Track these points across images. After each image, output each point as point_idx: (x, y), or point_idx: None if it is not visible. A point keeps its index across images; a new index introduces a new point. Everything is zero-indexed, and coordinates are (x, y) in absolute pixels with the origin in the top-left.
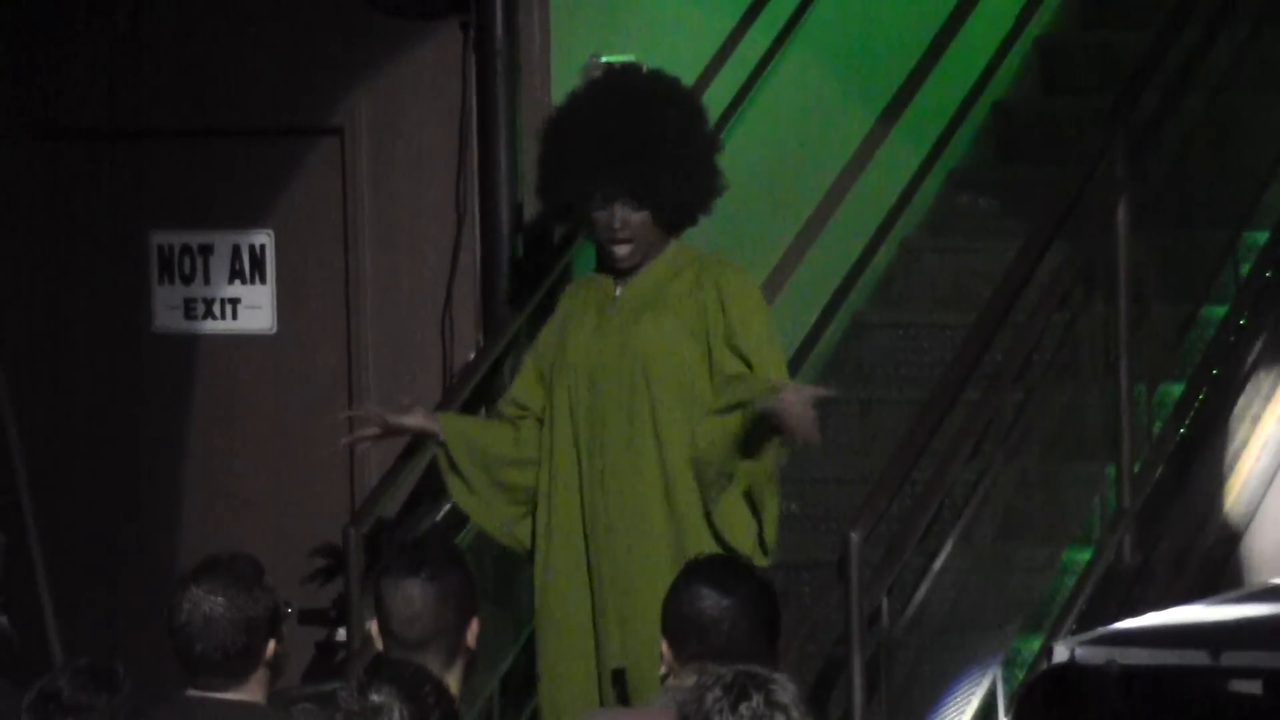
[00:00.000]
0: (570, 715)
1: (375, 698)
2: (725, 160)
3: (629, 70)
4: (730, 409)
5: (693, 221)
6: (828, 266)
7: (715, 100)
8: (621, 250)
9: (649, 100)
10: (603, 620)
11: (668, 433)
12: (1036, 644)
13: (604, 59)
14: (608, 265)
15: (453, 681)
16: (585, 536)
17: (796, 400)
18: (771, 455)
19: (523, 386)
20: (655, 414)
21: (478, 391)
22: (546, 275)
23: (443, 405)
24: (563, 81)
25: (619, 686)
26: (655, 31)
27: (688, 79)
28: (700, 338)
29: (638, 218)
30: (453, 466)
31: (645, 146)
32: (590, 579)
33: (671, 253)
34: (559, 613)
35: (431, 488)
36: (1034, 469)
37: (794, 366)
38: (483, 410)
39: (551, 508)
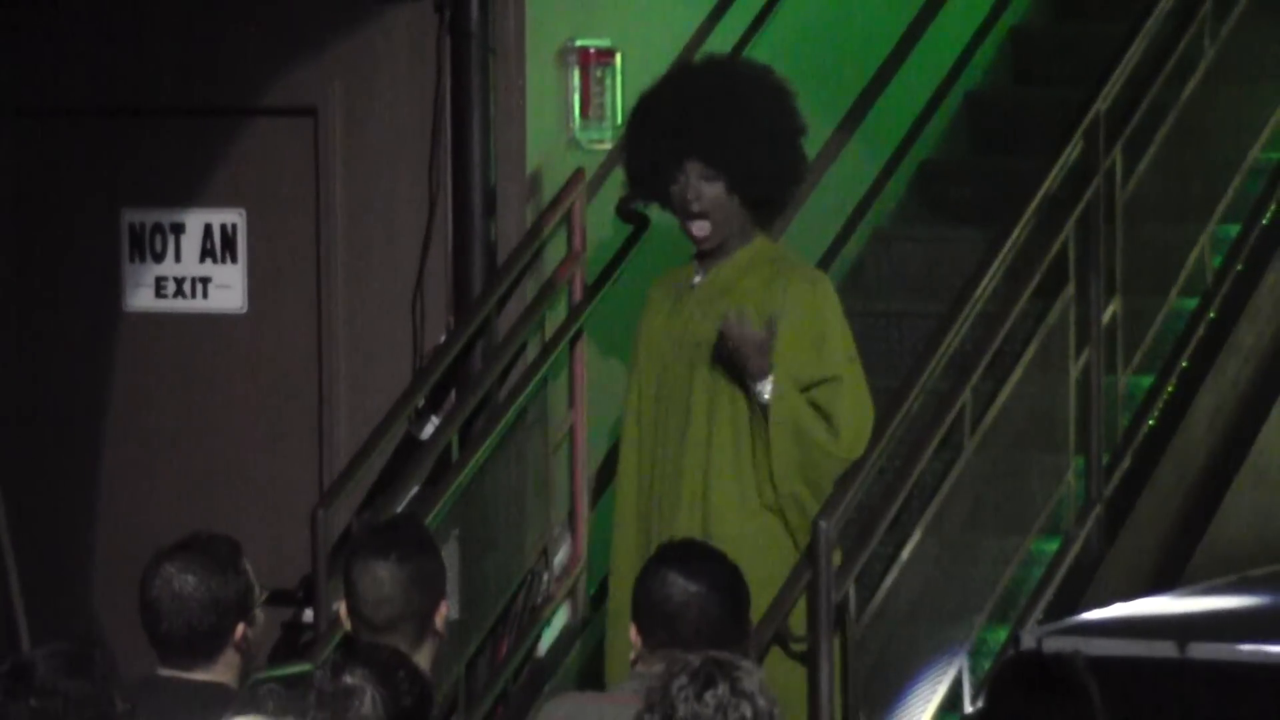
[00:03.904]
0: None
1: (348, 680)
2: None
3: (714, 56)
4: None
5: (774, 200)
6: (800, 254)
7: None
8: (699, 227)
9: (729, 73)
10: None
11: (720, 419)
12: (1003, 634)
13: (579, 43)
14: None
15: (421, 664)
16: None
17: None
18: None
19: None
20: (712, 404)
21: (447, 375)
22: (518, 259)
23: (412, 389)
24: (537, 65)
25: None
26: (630, 15)
27: (662, 64)
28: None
29: (712, 191)
30: None
31: (718, 111)
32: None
33: (757, 245)
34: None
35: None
36: (1003, 459)
37: None
38: (451, 394)
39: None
